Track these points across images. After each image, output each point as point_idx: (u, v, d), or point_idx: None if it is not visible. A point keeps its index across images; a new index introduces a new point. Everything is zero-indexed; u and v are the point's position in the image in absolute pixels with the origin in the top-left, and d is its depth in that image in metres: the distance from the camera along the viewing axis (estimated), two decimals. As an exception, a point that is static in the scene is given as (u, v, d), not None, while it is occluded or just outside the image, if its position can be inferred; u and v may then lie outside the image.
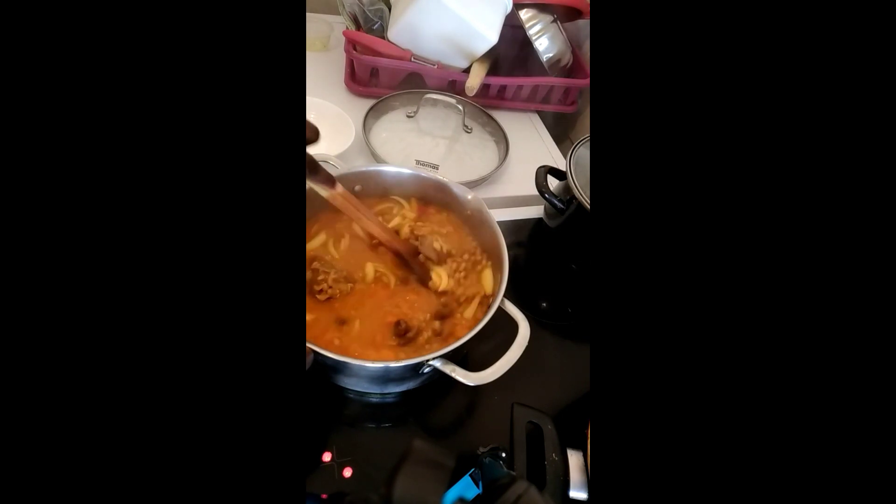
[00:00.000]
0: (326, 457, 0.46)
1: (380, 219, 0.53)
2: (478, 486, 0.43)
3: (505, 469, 0.43)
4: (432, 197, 0.59)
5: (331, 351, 0.40)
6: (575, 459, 0.46)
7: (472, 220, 0.57)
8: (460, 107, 0.75)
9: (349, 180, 0.56)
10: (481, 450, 0.46)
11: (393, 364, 0.41)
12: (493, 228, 0.53)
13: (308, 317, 0.47)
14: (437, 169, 0.71)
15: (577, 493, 0.45)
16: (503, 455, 0.45)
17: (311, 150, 0.67)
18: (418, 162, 0.72)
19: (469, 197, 0.56)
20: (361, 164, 0.57)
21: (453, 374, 0.42)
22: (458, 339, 0.43)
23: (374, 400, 0.50)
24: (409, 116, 0.78)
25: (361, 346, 0.46)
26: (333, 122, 0.73)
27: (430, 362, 0.42)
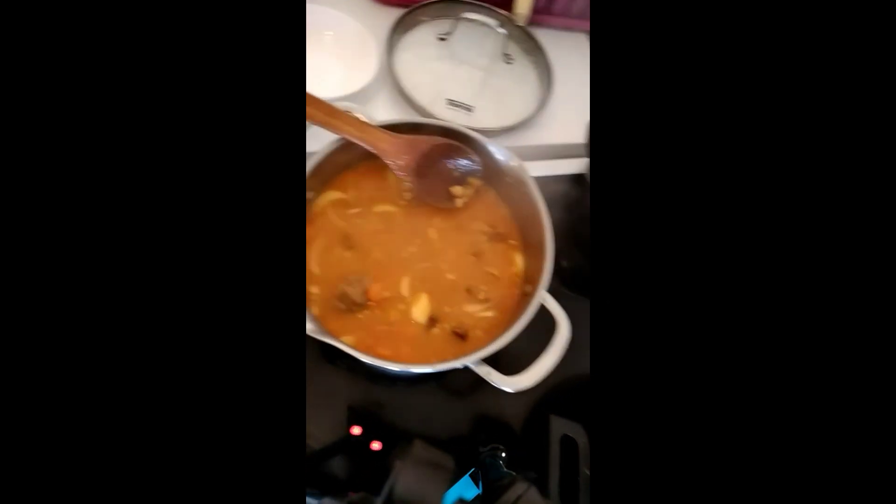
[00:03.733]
0: (356, 430, 0.47)
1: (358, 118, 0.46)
2: (477, 486, 0.43)
3: (505, 469, 0.43)
4: (461, 152, 0.52)
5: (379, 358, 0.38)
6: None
7: (511, 192, 0.50)
8: (503, 30, 0.63)
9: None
10: (481, 449, 0.46)
11: (431, 369, 0.39)
12: (535, 206, 0.47)
13: (348, 338, 0.44)
14: (472, 112, 0.62)
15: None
16: (503, 455, 0.45)
17: (329, 90, 0.58)
18: (451, 102, 0.62)
19: (514, 164, 0.49)
20: (393, 119, 0.49)
21: (489, 378, 0.40)
22: (493, 338, 0.40)
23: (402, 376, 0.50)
24: (440, 39, 0.66)
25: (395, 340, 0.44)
26: (353, 45, 0.62)
27: (468, 364, 0.40)
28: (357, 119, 0.46)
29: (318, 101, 0.44)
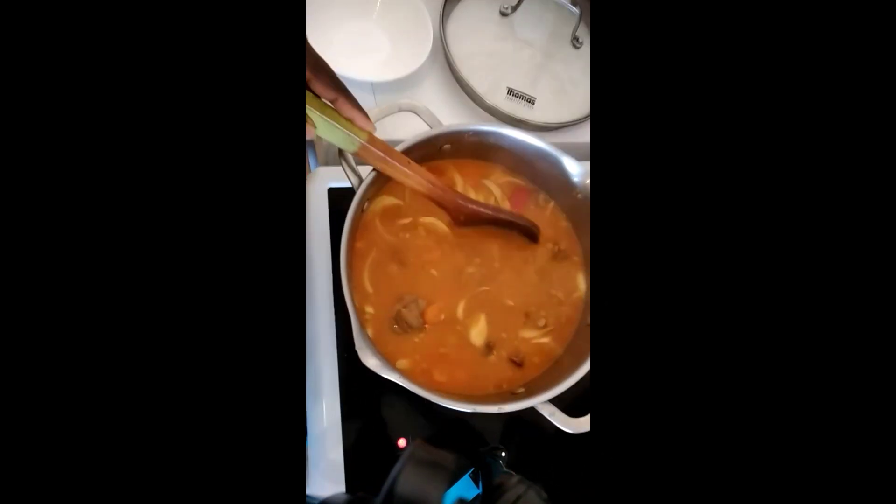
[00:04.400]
0: (402, 442, 0.46)
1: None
2: (477, 486, 0.44)
3: (505, 469, 0.43)
4: (528, 165, 0.48)
5: (434, 393, 0.36)
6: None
7: (576, 206, 0.47)
8: (576, 8, 0.56)
9: (438, 138, 0.44)
10: (481, 449, 0.46)
11: (497, 410, 0.38)
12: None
13: (404, 362, 0.42)
14: (534, 106, 0.56)
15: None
16: (503, 455, 0.44)
17: (375, 71, 0.52)
18: (511, 92, 0.56)
19: (588, 181, 0.45)
20: (459, 124, 0.44)
21: (552, 419, 0.39)
22: (549, 365, 0.39)
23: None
24: (502, 13, 0.59)
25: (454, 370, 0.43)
26: (404, 16, 0.55)
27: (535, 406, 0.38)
28: (420, 169, 0.41)
29: (375, 142, 0.39)
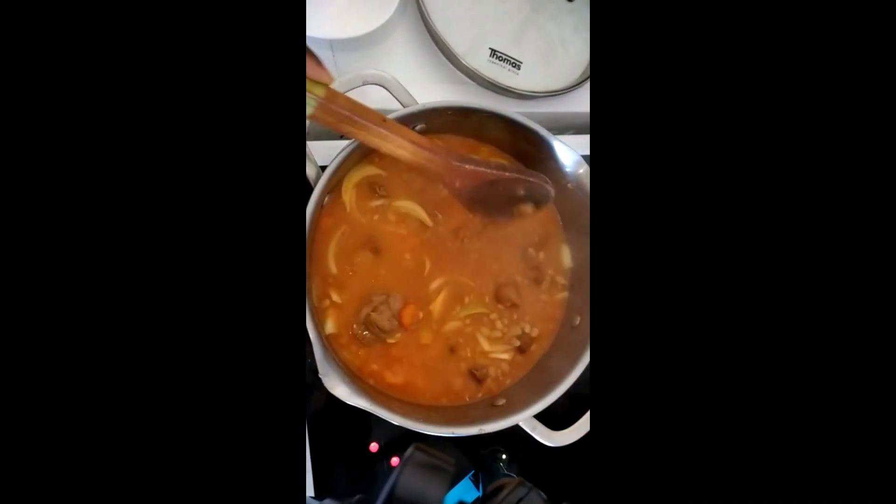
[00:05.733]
0: (373, 447, 0.44)
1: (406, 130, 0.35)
2: (478, 488, 0.43)
3: (505, 471, 0.43)
4: (514, 146, 0.42)
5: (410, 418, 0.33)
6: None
7: (570, 201, 0.42)
8: (569, -46, 0.48)
9: (411, 118, 0.37)
10: (482, 451, 0.45)
11: (477, 432, 0.35)
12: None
13: (394, 379, 0.38)
14: (519, 70, 0.49)
15: None
16: (504, 456, 0.44)
17: (339, 25, 0.43)
18: (494, 53, 0.49)
19: (581, 171, 0.40)
20: (436, 102, 0.37)
21: (533, 432, 0.36)
22: (548, 389, 0.36)
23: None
24: (485, -46, 0.49)
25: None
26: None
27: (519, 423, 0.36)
28: (399, 128, 0.34)
29: (337, 97, 0.31)
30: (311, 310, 0.34)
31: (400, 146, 0.34)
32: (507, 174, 0.38)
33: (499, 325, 0.41)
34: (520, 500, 0.27)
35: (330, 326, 0.39)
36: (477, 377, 0.40)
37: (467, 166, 0.36)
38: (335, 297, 0.39)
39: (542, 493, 0.28)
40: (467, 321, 0.41)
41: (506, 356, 0.41)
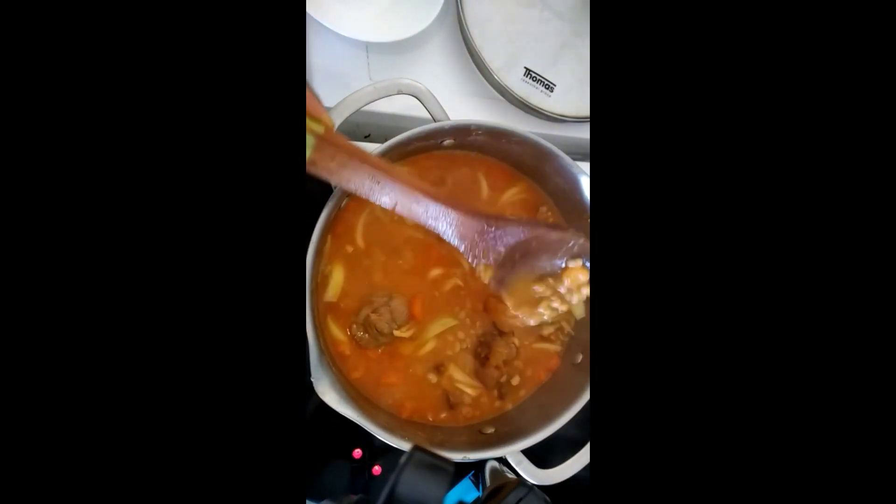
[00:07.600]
0: (357, 453, 0.44)
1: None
2: (478, 488, 0.43)
3: (506, 472, 0.42)
4: (539, 172, 0.41)
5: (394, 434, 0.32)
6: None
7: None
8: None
9: (440, 133, 0.36)
10: None
11: (461, 459, 0.34)
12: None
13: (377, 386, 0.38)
14: (552, 93, 0.49)
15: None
16: (504, 457, 0.44)
17: (378, 29, 0.42)
18: (528, 72, 0.48)
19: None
20: (467, 120, 0.36)
21: (518, 468, 0.36)
22: (540, 426, 0.35)
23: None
24: (532, -28, 0.49)
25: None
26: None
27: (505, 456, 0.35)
28: (404, 176, 0.29)
29: (336, 139, 0.26)
30: (311, 311, 0.33)
31: (414, 200, 0.29)
32: (541, 230, 0.33)
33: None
34: (520, 500, 0.27)
35: (330, 294, 0.38)
36: (450, 402, 0.39)
37: (490, 217, 0.32)
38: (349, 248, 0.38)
39: (542, 494, 0.28)
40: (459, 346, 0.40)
41: (471, 391, 0.39)
